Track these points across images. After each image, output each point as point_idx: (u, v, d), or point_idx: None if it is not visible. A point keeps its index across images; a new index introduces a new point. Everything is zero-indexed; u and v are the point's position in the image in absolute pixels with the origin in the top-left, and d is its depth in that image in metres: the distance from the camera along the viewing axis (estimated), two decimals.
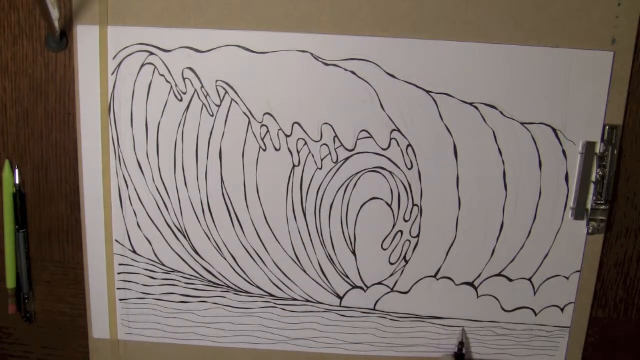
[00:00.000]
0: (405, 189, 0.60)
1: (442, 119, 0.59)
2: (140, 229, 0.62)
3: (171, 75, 0.59)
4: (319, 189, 0.61)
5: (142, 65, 0.58)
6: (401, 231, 0.61)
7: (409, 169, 0.60)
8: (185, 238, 0.62)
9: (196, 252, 0.63)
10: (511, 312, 0.63)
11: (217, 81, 0.59)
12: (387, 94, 0.58)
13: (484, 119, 0.58)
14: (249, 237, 0.62)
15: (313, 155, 0.60)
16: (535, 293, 0.62)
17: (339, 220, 0.61)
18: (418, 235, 0.61)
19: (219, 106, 0.59)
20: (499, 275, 0.62)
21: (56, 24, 0.55)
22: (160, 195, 0.61)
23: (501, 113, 0.58)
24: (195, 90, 0.59)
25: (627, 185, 0.61)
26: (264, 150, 0.60)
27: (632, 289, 0.63)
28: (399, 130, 0.59)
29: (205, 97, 0.59)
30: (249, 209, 0.61)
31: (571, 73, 0.57)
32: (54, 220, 0.63)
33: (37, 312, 0.66)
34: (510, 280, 0.62)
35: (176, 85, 0.59)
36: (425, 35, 0.57)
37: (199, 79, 0.58)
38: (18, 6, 0.58)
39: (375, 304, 0.63)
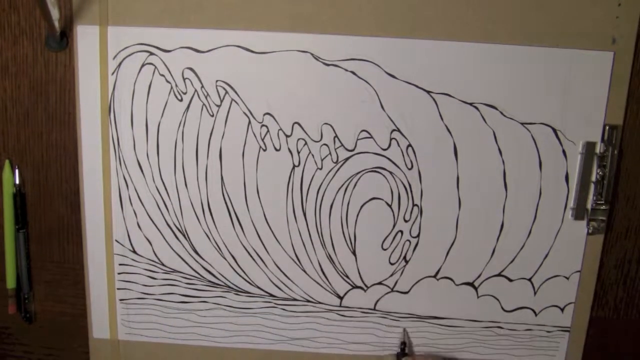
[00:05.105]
0: (405, 189, 0.60)
1: (442, 119, 0.59)
2: (140, 229, 0.62)
3: (171, 75, 0.59)
4: (319, 189, 0.61)
5: (142, 65, 0.58)
6: (401, 231, 0.61)
7: (409, 169, 0.60)
8: (185, 238, 0.62)
9: (196, 252, 0.63)
10: (511, 312, 0.63)
11: (217, 81, 0.59)
12: (387, 94, 0.58)
13: (484, 119, 0.58)
14: (249, 237, 0.62)
15: (313, 155, 0.60)
16: (535, 293, 0.62)
17: (339, 220, 0.61)
18: (418, 235, 0.61)
19: (219, 106, 0.59)
20: (499, 275, 0.62)
21: (56, 24, 0.55)
22: (160, 195, 0.61)
23: (501, 113, 0.58)
24: (195, 90, 0.59)
25: (627, 185, 0.61)
26: (264, 150, 0.60)
27: (632, 289, 0.63)
28: (399, 130, 0.59)
29: (205, 97, 0.59)
30: (249, 209, 0.61)
31: (571, 73, 0.57)
32: (54, 220, 0.63)
33: (37, 312, 0.66)
34: (510, 280, 0.62)
35: (176, 85, 0.59)
36: (425, 35, 0.57)
37: (199, 79, 0.58)
38: (18, 6, 0.58)
39: (375, 304, 0.63)
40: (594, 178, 0.59)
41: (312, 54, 0.58)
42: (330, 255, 0.62)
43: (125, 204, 0.62)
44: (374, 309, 0.63)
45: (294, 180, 0.61)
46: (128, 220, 0.62)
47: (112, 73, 0.59)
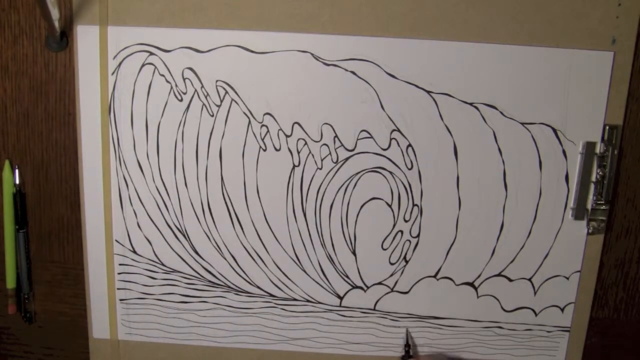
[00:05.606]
0: (405, 189, 0.60)
1: (442, 119, 0.59)
2: (140, 229, 0.62)
3: (171, 75, 0.59)
4: (319, 189, 0.61)
5: (142, 65, 0.58)
6: (401, 231, 0.61)
7: (409, 169, 0.60)
8: (185, 238, 0.62)
9: (196, 252, 0.63)
10: (511, 312, 0.63)
11: (217, 81, 0.59)
12: (387, 94, 0.58)
13: (484, 119, 0.58)
14: (249, 237, 0.62)
15: (313, 155, 0.60)
16: (535, 293, 0.62)
17: (339, 220, 0.61)
18: (418, 235, 0.61)
19: (219, 106, 0.59)
20: (499, 275, 0.62)
21: (56, 24, 0.55)
22: (160, 195, 0.61)
23: (501, 113, 0.58)
24: (195, 90, 0.59)
25: (627, 185, 0.61)
26: (264, 150, 0.60)
27: (632, 289, 0.63)
28: (399, 130, 0.59)
29: (205, 97, 0.59)
30: (249, 209, 0.61)
31: (571, 73, 0.57)
32: (54, 220, 0.63)
33: (37, 312, 0.66)
34: (510, 280, 0.62)
35: (176, 85, 0.59)
36: (425, 35, 0.57)
37: (199, 79, 0.59)
38: (18, 6, 0.58)
39: (375, 304, 0.63)
40: (594, 178, 0.59)
41: (312, 54, 0.58)
42: (330, 255, 0.62)
43: (125, 204, 0.62)
44: (374, 309, 0.63)
45: (294, 180, 0.61)
46: (128, 220, 0.62)
47: (112, 73, 0.59)
